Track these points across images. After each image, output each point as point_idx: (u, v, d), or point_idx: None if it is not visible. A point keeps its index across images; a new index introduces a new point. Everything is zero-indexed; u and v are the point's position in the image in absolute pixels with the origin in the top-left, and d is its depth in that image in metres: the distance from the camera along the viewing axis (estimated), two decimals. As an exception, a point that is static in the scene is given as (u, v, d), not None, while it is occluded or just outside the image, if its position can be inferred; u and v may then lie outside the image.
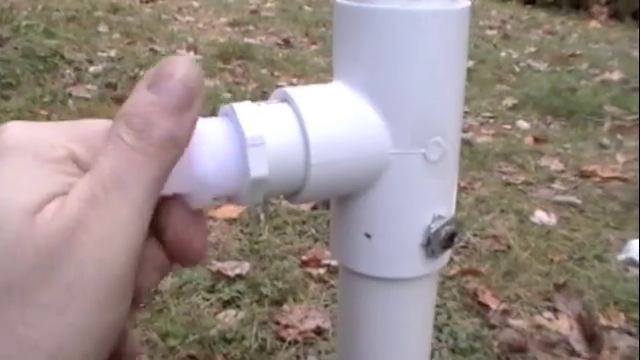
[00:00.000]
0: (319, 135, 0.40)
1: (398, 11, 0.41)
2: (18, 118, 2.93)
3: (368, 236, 0.45)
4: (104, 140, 0.33)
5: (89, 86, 3.46)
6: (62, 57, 3.87)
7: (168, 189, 0.34)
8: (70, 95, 3.28)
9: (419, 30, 0.41)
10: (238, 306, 1.82)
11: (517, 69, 4.58)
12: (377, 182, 0.44)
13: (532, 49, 5.26)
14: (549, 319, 1.86)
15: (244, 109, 0.38)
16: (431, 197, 0.45)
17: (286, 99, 0.41)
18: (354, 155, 0.41)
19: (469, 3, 0.44)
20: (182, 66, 0.34)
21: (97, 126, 0.34)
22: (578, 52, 5.14)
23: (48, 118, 2.97)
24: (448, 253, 0.48)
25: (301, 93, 0.41)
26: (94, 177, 0.31)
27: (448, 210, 0.47)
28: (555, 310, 1.89)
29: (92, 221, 0.30)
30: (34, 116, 2.97)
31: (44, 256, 0.29)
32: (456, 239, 0.46)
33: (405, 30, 0.41)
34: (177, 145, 0.33)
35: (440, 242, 0.45)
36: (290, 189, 0.41)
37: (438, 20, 0.42)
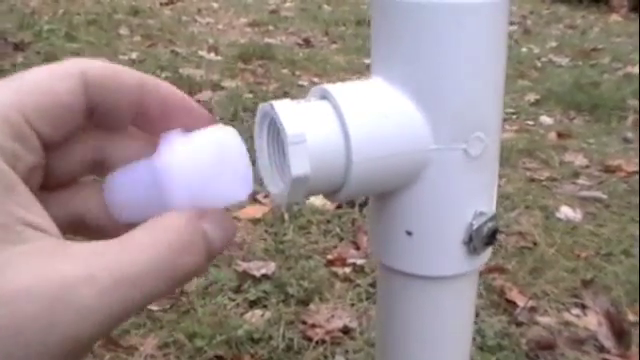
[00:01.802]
0: (360, 132, 0.39)
1: (438, 4, 0.41)
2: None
3: (409, 234, 0.45)
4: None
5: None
6: (84, 60, 3.88)
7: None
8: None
9: (459, 23, 0.41)
10: (265, 306, 1.82)
11: (539, 64, 4.55)
12: (418, 179, 0.43)
13: (553, 44, 5.23)
14: (577, 316, 1.85)
15: (284, 107, 0.38)
16: (472, 193, 0.45)
17: (325, 96, 0.41)
18: (395, 151, 0.41)
19: (508, -4, 0.43)
20: (228, 216, 0.34)
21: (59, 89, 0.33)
22: (600, 46, 5.10)
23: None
24: (489, 250, 0.48)
25: (341, 90, 0.41)
26: (109, 253, 0.30)
27: (489, 206, 0.46)
28: (583, 306, 1.88)
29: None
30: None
31: None
32: (498, 235, 0.45)
33: (445, 24, 0.41)
34: (187, 282, 0.33)
35: (482, 239, 0.44)
36: (330, 187, 0.41)
37: (478, 13, 0.41)
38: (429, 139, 0.42)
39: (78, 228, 0.38)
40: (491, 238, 0.45)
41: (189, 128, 0.36)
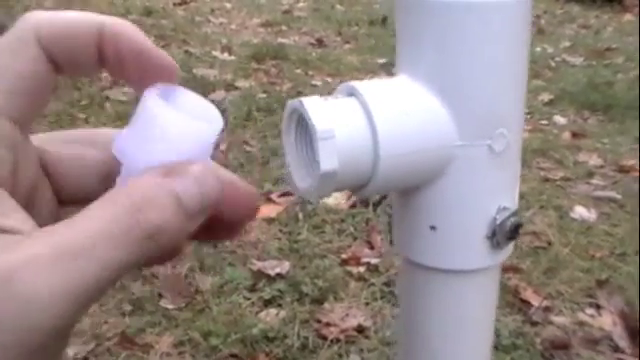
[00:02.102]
0: (387, 128, 0.40)
1: (463, 4, 0.41)
2: (56, 121, 2.98)
3: (433, 228, 0.45)
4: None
5: (125, 89, 3.49)
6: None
7: None
8: (107, 98, 3.31)
9: (484, 22, 0.42)
10: (279, 305, 1.83)
11: (552, 64, 4.54)
12: (443, 174, 0.44)
13: (567, 44, 5.21)
14: (592, 315, 1.85)
15: (313, 103, 0.39)
16: (496, 188, 0.46)
17: (353, 93, 0.42)
18: (421, 147, 0.42)
19: (530, -5, 0.44)
20: (206, 171, 0.31)
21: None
22: (613, 46, 5.08)
23: (86, 121, 3.01)
24: (511, 245, 0.48)
25: (368, 87, 0.42)
26: (56, 232, 0.27)
27: (512, 201, 0.47)
28: (598, 306, 1.88)
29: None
30: (72, 119, 3.01)
31: None
32: (520, 230, 0.46)
33: (470, 23, 0.42)
34: (162, 244, 0.29)
35: (505, 233, 0.45)
36: (358, 182, 0.42)
37: (502, 12, 0.42)
38: (454, 135, 0.43)
39: None
40: (514, 233, 0.46)
41: (148, 75, 0.34)
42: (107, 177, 0.35)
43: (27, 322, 0.26)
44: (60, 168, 0.34)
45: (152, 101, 0.31)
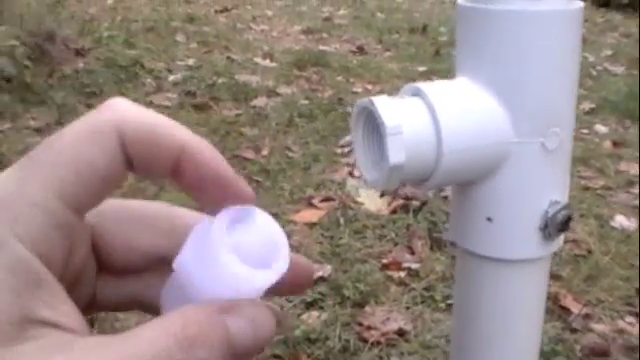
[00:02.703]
0: (450, 125, 0.44)
1: (520, 12, 0.45)
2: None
3: (489, 220, 0.48)
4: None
5: (169, 94, 3.55)
6: (142, 66, 3.97)
7: None
8: (151, 103, 3.37)
9: (539, 29, 0.45)
10: (321, 307, 1.85)
11: (594, 73, 4.52)
12: (499, 169, 0.47)
13: (608, 52, 5.18)
14: (631, 323, 1.85)
15: (382, 102, 0.42)
16: (548, 183, 0.49)
17: (418, 93, 0.45)
18: (480, 143, 0.45)
19: (582, 4, 0.47)
20: (267, 314, 0.31)
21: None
22: (655, 55, 5.05)
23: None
24: (562, 236, 0.51)
25: (431, 88, 0.45)
26: (112, 350, 0.28)
27: (563, 196, 0.50)
28: (637, 315, 1.88)
29: None
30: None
31: None
32: (571, 223, 0.49)
33: (526, 29, 0.45)
34: None
35: (556, 225, 0.48)
36: (422, 175, 0.45)
37: (556, 19, 0.45)
38: (510, 133, 0.46)
39: (142, 309, 0.37)
40: (565, 225, 0.48)
41: (223, 201, 0.33)
42: (153, 259, 0.36)
43: None
44: (108, 247, 0.35)
45: (219, 237, 0.31)
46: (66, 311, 0.29)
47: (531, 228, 0.49)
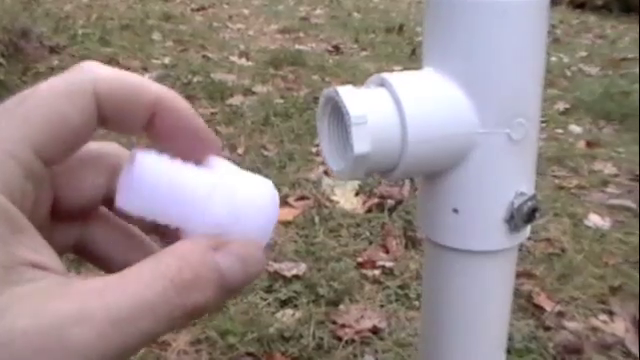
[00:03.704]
0: (415, 115, 0.43)
1: (486, 3, 0.45)
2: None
3: (456, 211, 0.48)
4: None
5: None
6: (118, 64, 3.95)
7: None
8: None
9: (505, 20, 0.45)
10: (295, 306, 1.85)
11: (568, 73, 4.55)
12: (465, 160, 0.47)
13: (583, 53, 5.22)
14: (604, 321, 1.86)
15: (347, 92, 0.42)
16: (514, 175, 0.49)
17: (383, 84, 0.45)
18: (446, 134, 0.45)
19: (547, -4, 0.47)
20: (255, 251, 0.32)
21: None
22: (630, 56, 5.08)
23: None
24: (528, 228, 0.51)
25: (397, 78, 0.45)
26: (109, 292, 0.28)
27: (529, 187, 0.50)
28: (610, 313, 1.89)
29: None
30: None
31: None
32: (537, 214, 0.49)
33: (492, 20, 0.45)
34: (194, 316, 0.30)
35: (522, 217, 0.48)
36: (387, 166, 0.45)
37: (522, 11, 0.45)
38: (476, 123, 0.46)
39: (85, 256, 0.38)
40: (530, 216, 0.49)
41: (194, 150, 0.35)
42: (103, 200, 0.36)
43: None
44: (59, 191, 0.35)
45: (221, 163, 0.34)
46: (49, 255, 0.30)
47: (497, 219, 0.49)
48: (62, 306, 0.27)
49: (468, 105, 0.46)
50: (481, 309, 0.52)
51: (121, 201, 0.32)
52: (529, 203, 0.48)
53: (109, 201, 0.35)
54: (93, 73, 0.33)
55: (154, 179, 0.31)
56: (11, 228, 0.29)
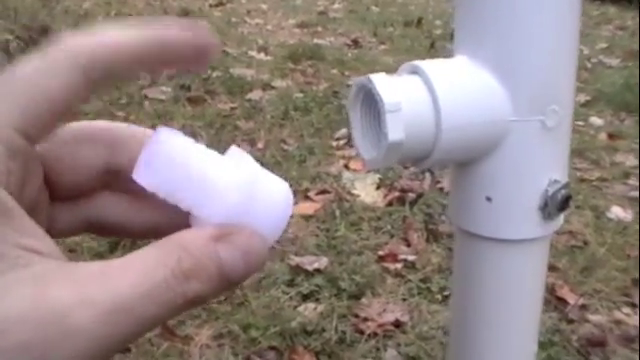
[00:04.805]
0: (448, 103, 0.43)
1: (521, -10, 0.44)
2: (96, 119, 3.01)
3: (489, 199, 0.48)
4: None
5: (164, 88, 3.54)
6: (137, 60, 3.96)
7: None
8: (146, 97, 3.36)
9: (537, 6, 0.45)
10: (317, 299, 1.85)
11: (589, 65, 4.52)
12: (498, 148, 0.47)
13: (603, 45, 5.19)
14: (627, 314, 1.85)
15: (380, 79, 0.41)
16: (548, 162, 0.48)
17: (416, 71, 0.45)
18: (479, 121, 0.45)
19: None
20: (258, 244, 0.32)
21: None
22: (650, 47, 5.06)
23: (125, 119, 3.05)
24: (562, 216, 0.51)
25: (430, 66, 0.45)
26: (110, 277, 0.29)
27: (563, 175, 0.50)
28: (634, 305, 1.88)
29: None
30: (112, 117, 3.05)
31: None
32: (571, 202, 0.48)
33: (524, 6, 0.45)
34: (196, 306, 0.31)
35: (556, 205, 0.48)
36: (420, 153, 0.44)
37: (556, -1, 0.45)
38: (509, 111, 0.46)
39: (98, 231, 0.38)
40: (564, 204, 0.48)
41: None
42: (100, 174, 0.36)
43: (74, 354, 0.27)
44: (55, 172, 0.35)
45: (242, 155, 0.34)
46: (43, 238, 0.30)
47: (531, 207, 0.48)
48: (62, 291, 0.27)
49: (501, 92, 0.45)
50: (513, 299, 0.52)
51: (137, 174, 0.32)
52: (563, 191, 0.48)
53: (112, 174, 0.36)
54: (71, 43, 0.32)
55: (173, 157, 0.32)
56: (1, 211, 0.28)
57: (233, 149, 0.34)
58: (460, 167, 0.50)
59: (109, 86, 0.34)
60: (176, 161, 0.32)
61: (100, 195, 0.37)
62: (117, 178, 0.36)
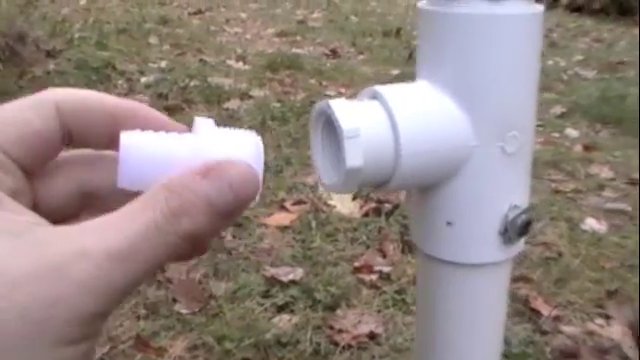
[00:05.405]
0: (408, 128, 0.43)
1: (479, 15, 0.45)
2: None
3: (449, 224, 0.48)
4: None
5: (141, 96, 3.53)
6: (114, 68, 3.95)
7: None
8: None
9: (499, 32, 0.45)
10: (292, 311, 1.85)
11: (565, 77, 4.56)
12: (459, 173, 0.47)
13: (580, 57, 5.23)
14: (601, 326, 1.86)
15: (339, 105, 0.41)
16: (508, 187, 0.49)
17: (376, 96, 0.45)
18: (440, 147, 0.45)
19: (542, 8, 0.47)
20: (245, 174, 0.33)
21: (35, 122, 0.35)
22: (626, 59, 5.09)
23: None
24: (522, 240, 0.51)
25: (390, 91, 0.45)
26: (104, 231, 0.31)
27: (523, 200, 0.50)
28: (607, 317, 1.89)
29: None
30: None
31: None
32: (531, 227, 0.49)
33: (485, 33, 0.45)
34: (194, 245, 0.32)
35: (516, 230, 0.48)
36: (380, 179, 0.44)
37: (516, 23, 0.45)
38: (470, 136, 0.46)
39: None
40: (525, 229, 0.48)
41: None
42: (80, 197, 0.38)
43: (79, 306, 0.29)
44: (42, 200, 0.37)
45: (203, 123, 0.36)
46: (35, 215, 0.32)
47: (491, 232, 0.49)
48: (62, 247, 0.30)
49: (462, 118, 0.46)
50: (476, 321, 0.52)
51: (119, 182, 0.34)
52: (523, 216, 0.48)
53: (89, 195, 0.38)
54: (54, 91, 0.35)
55: (140, 155, 0.34)
56: None
57: (196, 120, 0.36)
58: (421, 191, 0.50)
59: (86, 141, 0.37)
60: (143, 157, 0.34)
61: (86, 217, 0.38)
62: (95, 198, 0.38)
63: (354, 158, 0.40)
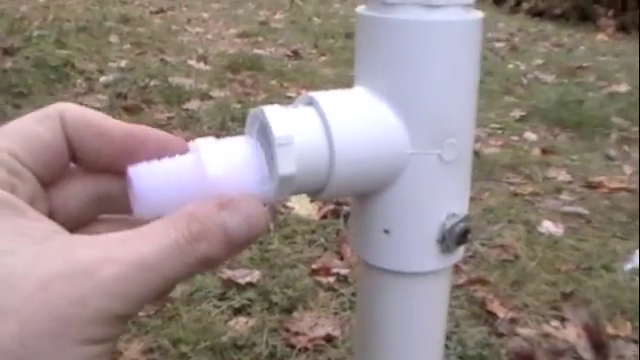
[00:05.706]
0: (343, 136, 0.43)
1: (417, 21, 0.44)
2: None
3: (387, 232, 0.48)
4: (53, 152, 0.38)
5: (100, 96, 3.50)
6: (73, 67, 3.91)
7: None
8: (81, 104, 3.28)
9: (436, 39, 0.44)
10: (249, 313, 1.84)
11: (525, 81, 4.60)
12: (395, 181, 0.46)
13: (540, 61, 5.28)
14: (557, 328, 1.87)
15: (273, 111, 0.41)
16: (446, 195, 0.48)
17: (311, 103, 0.44)
18: (375, 154, 0.44)
19: (482, 14, 0.47)
20: (256, 208, 0.37)
21: (40, 130, 0.38)
22: (585, 64, 5.16)
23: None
24: (462, 248, 0.51)
25: (326, 97, 0.44)
26: (133, 242, 0.33)
27: (461, 208, 0.49)
28: (563, 319, 1.91)
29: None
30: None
31: None
32: (469, 236, 0.48)
33: (423, 39, 0.44)
34: (209, 267, 0.36)
35: (454, 238, 0.47)
36: (314, 186, 0.44)
37: (454, 30, 0.45)
38: (406, 144, 0.45)
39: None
40: (462, 238, 0.48)
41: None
42: (96, 204, 0.42)
43: (106, 306, 0.32)
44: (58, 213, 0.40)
45: (201, 142, 0.41)
46: (54, 224, 0.35)
47: (429, 240, 0.48)
48: (89, 252, 0.32)
49: (398, 125, 0.45)
50: (415, 329, 0.52)
51: (135, 211, 0.38)
52: (461, 224, 0.47)
53: (105, 202, 0.42)
54: (62, 106, 0.39)
55: (152, 184, 0.38)
56: (15, 210, 0.34)
57: (192, 144, 0.42)
58: (358, 198, 0.49)
59: (90, 160, 0.40)
60: (155, 185, 0.38)
61: (97, 228, 0.42)
62: (110, 203, 0.42)
63: (286, 166, 0.40)
